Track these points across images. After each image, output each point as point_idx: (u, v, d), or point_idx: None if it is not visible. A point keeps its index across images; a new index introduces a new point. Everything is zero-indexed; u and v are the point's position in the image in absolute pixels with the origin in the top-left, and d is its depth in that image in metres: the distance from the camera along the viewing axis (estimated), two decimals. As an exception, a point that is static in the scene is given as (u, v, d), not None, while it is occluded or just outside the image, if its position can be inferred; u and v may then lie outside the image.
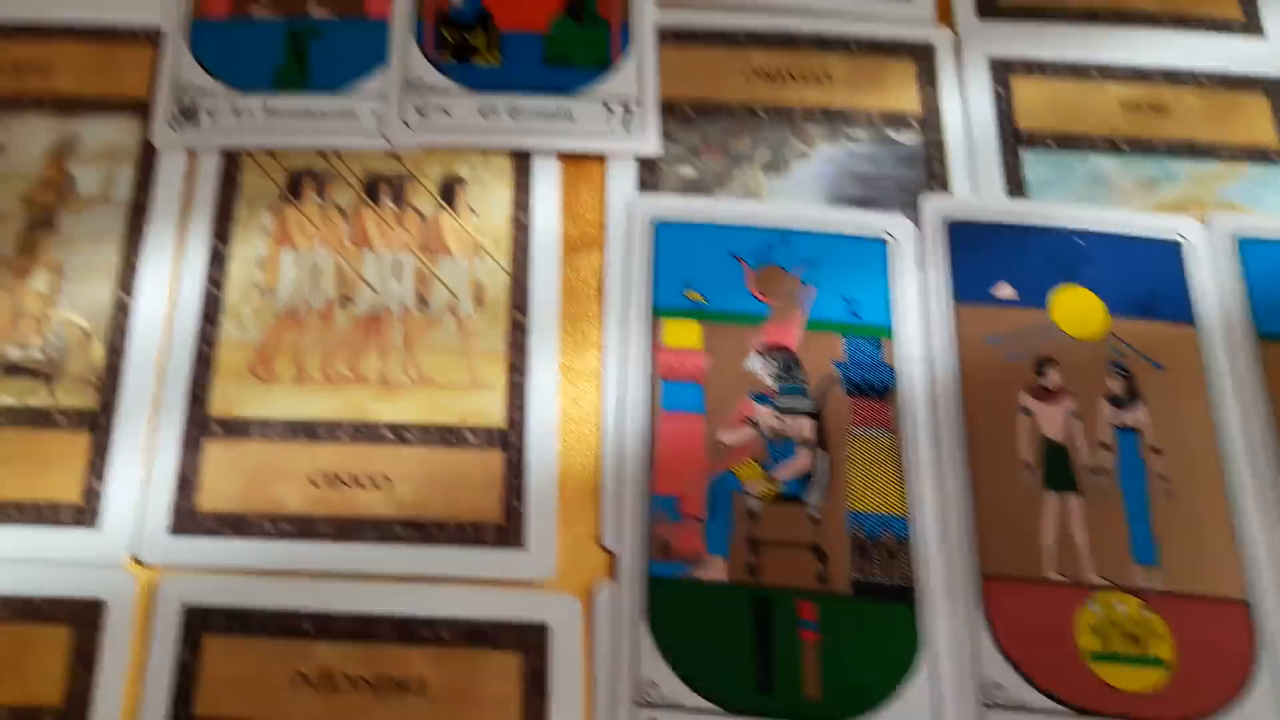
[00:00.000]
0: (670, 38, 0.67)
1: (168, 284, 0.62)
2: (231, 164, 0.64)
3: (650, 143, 0.64)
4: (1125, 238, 0.64)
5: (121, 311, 0.61)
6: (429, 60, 0.66)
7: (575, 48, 0.66)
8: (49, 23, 0.68)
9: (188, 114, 0.64)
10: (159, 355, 0.61)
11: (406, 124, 0.64)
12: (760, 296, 0.62)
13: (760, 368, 0.61)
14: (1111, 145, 0.67)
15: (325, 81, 0.66)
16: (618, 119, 0.64)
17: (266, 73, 0.66)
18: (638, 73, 0.66)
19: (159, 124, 0.65)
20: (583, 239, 0.64)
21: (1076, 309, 0.62)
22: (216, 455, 0.59)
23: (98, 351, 0.61)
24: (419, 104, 0.65)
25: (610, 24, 0.67)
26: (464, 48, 0.66)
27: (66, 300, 0.62)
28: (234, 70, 0.66)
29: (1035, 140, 0.66)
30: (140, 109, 0.66)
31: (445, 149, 0.65)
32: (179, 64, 0.66)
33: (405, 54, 0.66)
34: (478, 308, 0.62)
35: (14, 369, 0.60)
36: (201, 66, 0.66)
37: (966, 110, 0.66)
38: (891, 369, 0.61)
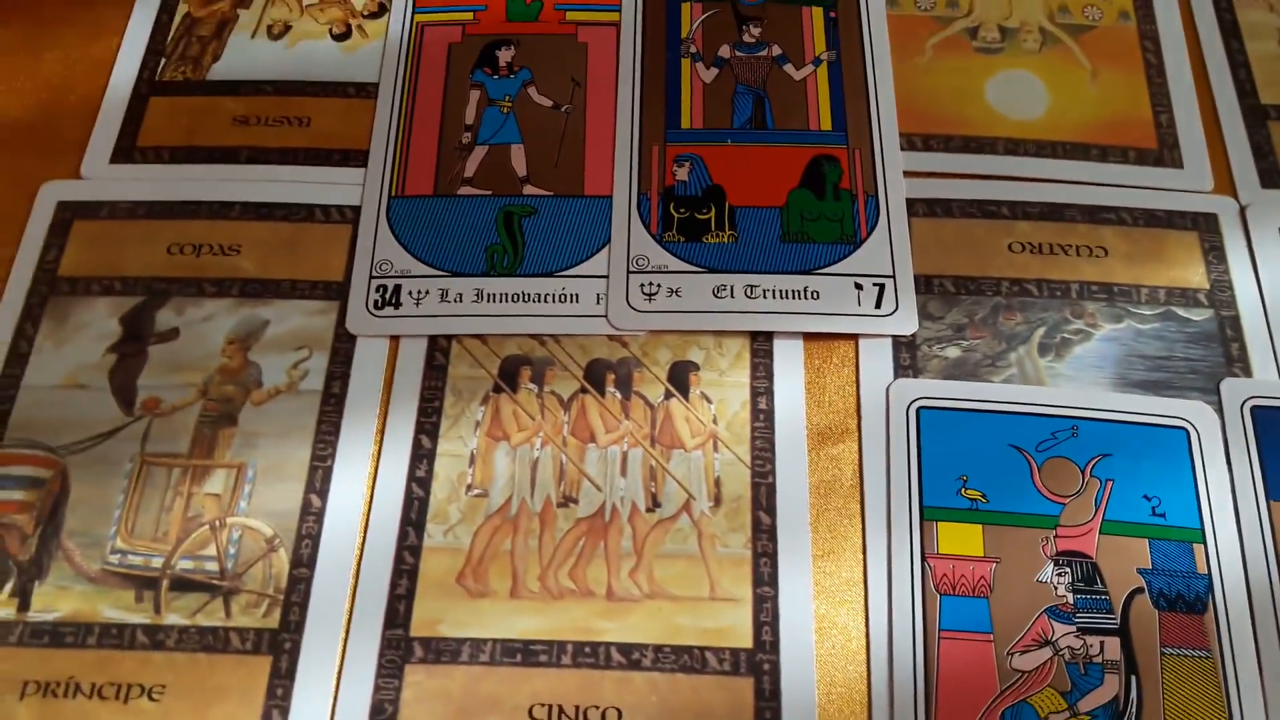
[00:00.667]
0: (923, 209, 0.64)
1: (365, 484, 0.58)
2: (439, 351, 0.62)
3: (908, 322, 0.62)
4: None
5: (310, 516, 0.57)
6: (655, 239, 0.63)
7: (817, 223, 0.63)
8: (234, 201, 0.67)
9: (389, 298, 0.61)
10: (353, 566, 0.56)
11: (633, 307, 0.61)
12: (1050, 495, 0.57)
13: (1055, 578, 0.55)
14: None
15: (542, 263, 0.64)
16: (870, 297, 0.61)
17: (478, 254, 0.64)
18: (891, 247, 0.62)
19: (355, 308, 0.62)
20: (834, 428, 0.59)
21: None
22: (419, 683, 0.55)
23: (281, 562, 0.57)
24: (646, 285, 0.62)
25: (855, 196, 0.64)
26: (694, 225, 0.64)
27: (246, 504, 0.58)
28: (441, 251, 0.64)
29: (1338, 315, 0.62)
30: (335, 292, 0.63)
31: (677, 333, 0.62)
32: (379, 244, 0.64)
33: (630, 232, 0.64)
34: (716, 507, 0.57)
35: (185, 583, 0.56)
36: (403, 247, 0.63)
37: (1260, 285, 0.63)
38: (1205, 578, 0.55)
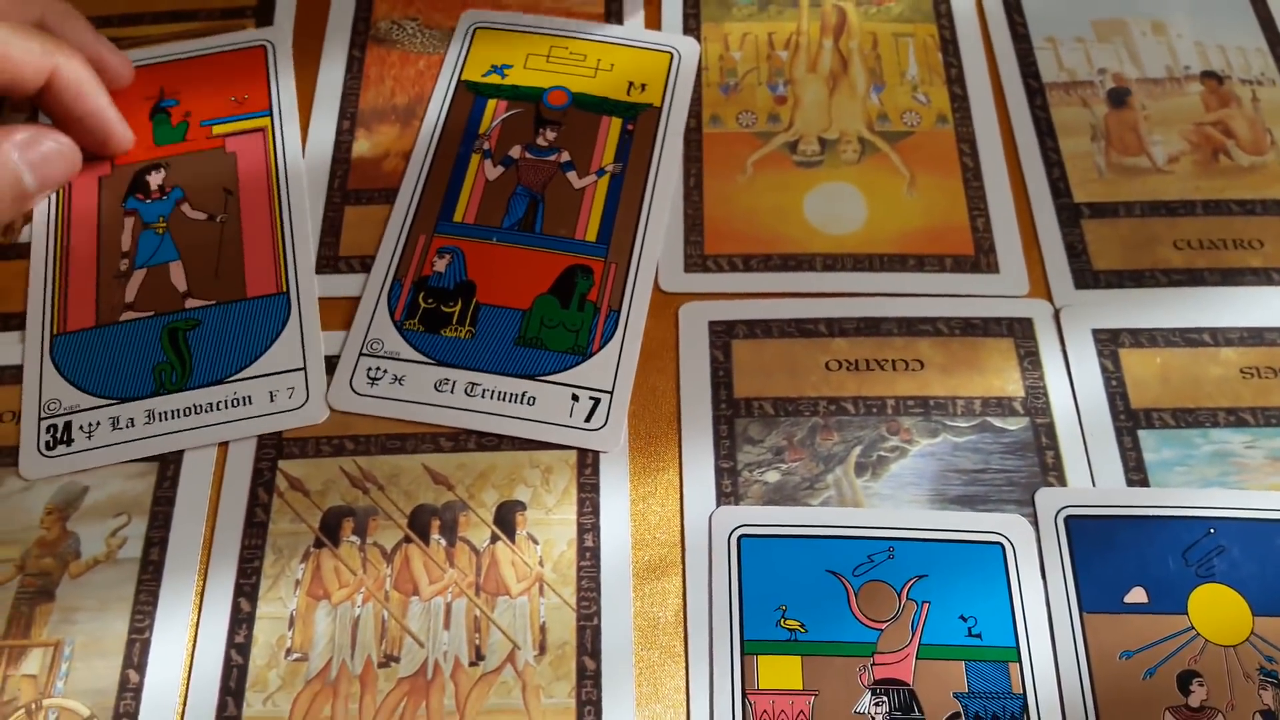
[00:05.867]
0: (744, 331, 0.66)
1: (184, 654, 0.59)
2: (259, 508, 0.63)
3: (613, 440, 0.64)
4: (1262, 523, 0.62)
5: (128, 693, 0.58)
6: (395, 325, 0.67)
7: (554, 330, 0.66)
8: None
9: (61, 436, 0.63)
10: (173, 740, 0.56)
11: (354, 389, 0.65)
12: (867, 621, 0.58)
13: (873, 708, 0.56)
14: (1235, 417, 0.64)
15: (211, 372, 0.66)
16: (583, 410, 0.64)
17: (145, 375, 0.66)
18: (618, 364, 0.66)
19: (26, 452, 0.64)
20: (658, 562, 0.61)
21: (1217, 611, 0.60)
22: None
23: (100, 741, 0.56)
24: (374, 369, 0.65)
25: (599, 310, 0.67)
26: (437, 317, 0.67)
27: (64, 684, 0.58)
28: (108, 379, 0.66)
29: (1152, 418, 0.64)
30: (149, 451, 0.64)
31: (390, 419, 0.65)
32: (45, 384, 0.66)
33: (374, 316, 0.67)
34: (541, 656, 0.58)
35: (-1, 772, 0.56)
36: (70, 383, 0.66)
37: (1074, 389, 0.65)
38: (1020, 698, 0.57)
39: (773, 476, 0.63)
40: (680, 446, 0.65)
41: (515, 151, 0.73)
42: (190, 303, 0.68)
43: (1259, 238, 0.71)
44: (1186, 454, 0.64)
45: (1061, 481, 0.63)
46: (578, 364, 0.66)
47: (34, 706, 0.58)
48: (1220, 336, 0.67)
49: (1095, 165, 0.73)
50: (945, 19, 0.79)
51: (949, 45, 0.78)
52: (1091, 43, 0.78)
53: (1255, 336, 0.67)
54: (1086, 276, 0.69)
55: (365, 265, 0.70)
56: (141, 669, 0.59)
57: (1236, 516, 0.62)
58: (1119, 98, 0.76)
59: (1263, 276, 0.69)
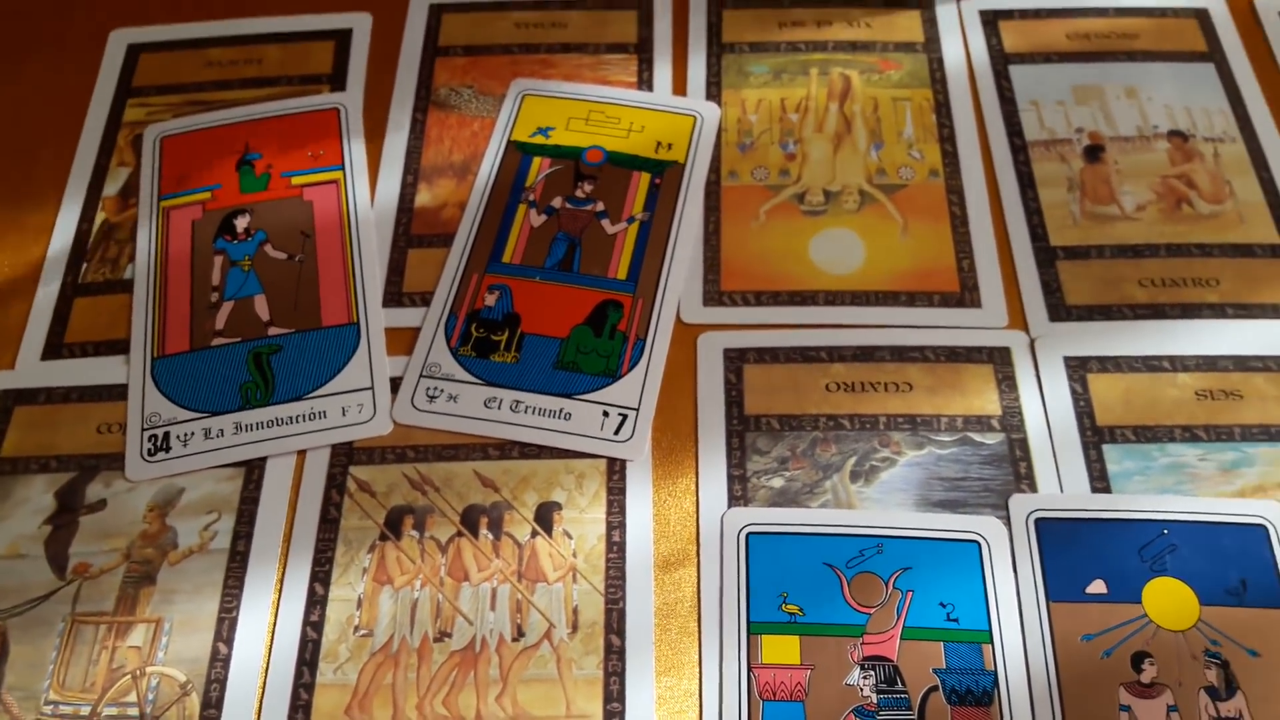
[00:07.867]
0: (754, 357, 0.75)
1: (266, 630, 0.67)
2: (332, 506, 0.71)
3: (639, 450, 0.73)
4: (1211, 525, 0.69)
5: (219, 662, 0.66)
6: (451, 351, 0.76)
7: (588, 356, 0.76)
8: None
9: (160, 445, 0.73)
10: (255, 705, 0.65)
11: (415, 406, 0.74)
12: (858, 606, 0.66)
13: (861, 681, 0.64)
14: (1189, 434, 0.71)
15: (291, 390, 0.75)
16: (613, 424, 0.73)
17: (233, 393, 0.75)
18: (643, 385, 0.75)
19: (131, 458, 0.73)
20: (676, 555, 0.69)
21: (1169, 601, 0.67)
22: (314, 807, 0.63)
23: (194, 705, 0.66)
24: (432, 389, 0.75)
25: (627, 338, 0.76)
26: (487, 344, 0.76)
27: (164, 654, 0.67)
28: (200, 396, 0.76)
29: (1115, 434, 0.71)
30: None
31: (446, 432, 0.74)
32: (147, 400, 0.75)
33: (432, 343, 0.77)
34: (573, 634, 0.66)
35: (109, 728, 0.65)
36: (168, 399, 0.75)
37: (1046, 409, 0.72)
38: (992, 675, 0.64)
39: (777, 482, 0.72)
40: (697, 456, 0.73)
41: (557, 202, 0.83)
42: (272, 330, 0.78)
43: (1216, 277, 0.78)
44: (1145, 465, 0.71)
45: (1033, 488, 0.71)
46: (608, 385, 0.75)
47: (139, 673, 0.67)
48: (1178, 363, 0.75)
49: (1070, 213, 0.82)
50: (939, 84, 0.88)
51: (942, 108, 0.87)
52: (1071, 105, 0.87)
53: (1209, 364, 0.75)
54: (1060, 310, 0.77)
55: (425, 300, 0.79)
56: (230, 642, 0.67)
57: (1187, 519, 0.69)
58: (1093, 153, 0.84)
59: (1218, 311, 0.77)
